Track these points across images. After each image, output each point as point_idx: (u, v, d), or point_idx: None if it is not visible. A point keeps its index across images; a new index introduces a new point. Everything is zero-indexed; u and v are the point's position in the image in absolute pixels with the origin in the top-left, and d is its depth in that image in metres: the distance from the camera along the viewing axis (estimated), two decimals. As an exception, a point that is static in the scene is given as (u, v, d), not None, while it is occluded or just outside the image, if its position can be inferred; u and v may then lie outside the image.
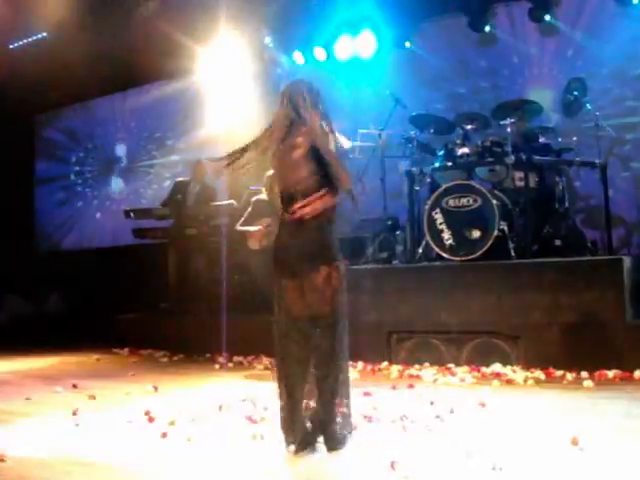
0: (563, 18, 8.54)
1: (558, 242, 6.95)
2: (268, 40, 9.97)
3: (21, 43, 11.33)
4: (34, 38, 11.17)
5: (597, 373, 5.49)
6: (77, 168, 13.08)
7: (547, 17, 8.51)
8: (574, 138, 7.23)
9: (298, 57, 9.95)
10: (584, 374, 5.51)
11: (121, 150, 12.45)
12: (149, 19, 9.69)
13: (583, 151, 7.29)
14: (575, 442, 3.58)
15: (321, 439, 3.76)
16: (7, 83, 10.75)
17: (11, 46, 11.37)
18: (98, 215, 12.66)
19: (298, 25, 9.72)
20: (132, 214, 9.17)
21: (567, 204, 7.30)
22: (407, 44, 9.34)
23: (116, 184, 12.47)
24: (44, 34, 11.05)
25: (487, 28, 8.92)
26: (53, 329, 9.87)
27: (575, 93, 7.33)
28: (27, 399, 5.65)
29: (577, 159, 7.16)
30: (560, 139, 7.38)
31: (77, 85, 11.23)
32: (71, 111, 13.12)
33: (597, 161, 7.06)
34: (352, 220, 7.96)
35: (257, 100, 9.35)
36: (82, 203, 12.95)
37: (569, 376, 5.54)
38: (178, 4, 9.53)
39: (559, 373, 5.64)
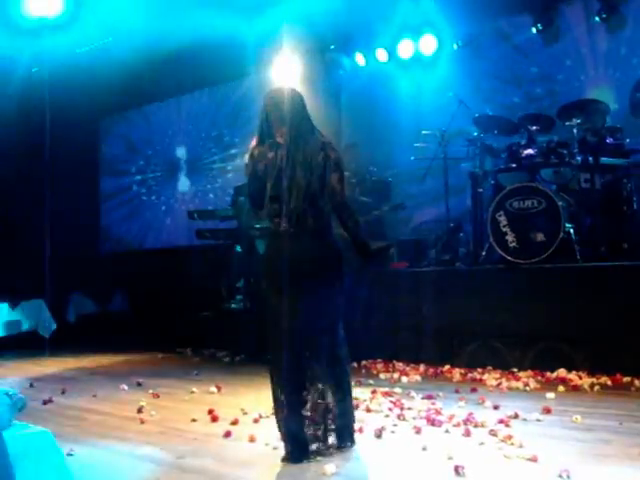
0: (631, 15, 8.33)
1: (626, 245, 6.79)
2: (330, 42, 9.97)
3: (88, 48, 11.57)
4: (101, 42, 11.40)
5: (667, 380, 5.36)
6: (142, 164, 13.24)
7: (614, 14, 8.32)
8: (643, 139, 7.07)
9: (359, 58, 9.93)
10: (653, 381, 5.39)
11: (182, 151, 12.59)
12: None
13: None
14: (646, 451, 3.50)
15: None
16: (73, 87, 10.98)
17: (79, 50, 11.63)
18: (162, 215, 12.80)
19: (360, 27, 9.69)
20: (196, 215, 9.28)
21: (635, 206, 7.11)
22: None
23: (181, 184, 12.60)
24: (110, 38, 11.26)
25: (550, 27, 8.75)
26: (118, 328, 10.07)
27: (644, 92, 7.16)
28: (94, 396, 5.79)
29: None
30: (628, 139, 7.21)
31: (141, 89, 11.45)
32: (134, 114, 13.32)
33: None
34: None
35: (318, 101, 9.36)
36: (147, 203, 13.11)
37: (637, 383, 5.40)
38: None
39: (627, 379, 5.51)
